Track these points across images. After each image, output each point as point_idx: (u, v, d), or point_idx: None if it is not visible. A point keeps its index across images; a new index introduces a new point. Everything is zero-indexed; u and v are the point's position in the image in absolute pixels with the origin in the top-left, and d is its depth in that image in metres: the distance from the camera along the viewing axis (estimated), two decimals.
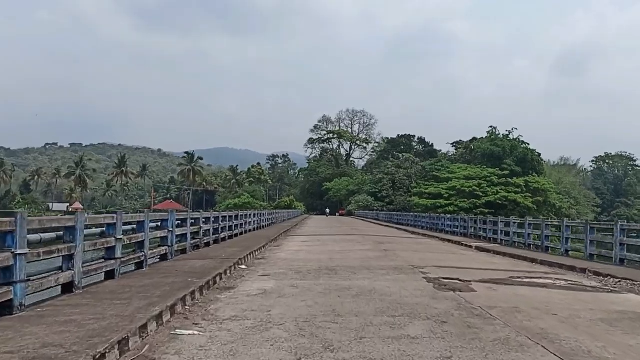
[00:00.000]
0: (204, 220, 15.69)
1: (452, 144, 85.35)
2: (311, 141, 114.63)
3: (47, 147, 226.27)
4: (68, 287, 7.12)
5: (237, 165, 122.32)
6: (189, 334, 5.56)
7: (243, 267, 11.80)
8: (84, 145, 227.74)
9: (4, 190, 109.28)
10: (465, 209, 53.02)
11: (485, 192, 57.81)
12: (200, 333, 5.61)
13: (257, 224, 29.10)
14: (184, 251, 13.29)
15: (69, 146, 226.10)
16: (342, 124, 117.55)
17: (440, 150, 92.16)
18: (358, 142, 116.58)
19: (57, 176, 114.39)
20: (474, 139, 73.65)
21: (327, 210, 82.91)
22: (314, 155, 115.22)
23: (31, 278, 6.16)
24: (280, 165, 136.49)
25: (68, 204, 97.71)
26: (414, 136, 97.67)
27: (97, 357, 4.31)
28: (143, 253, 10.04)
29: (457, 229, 27.90)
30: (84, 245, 7.42)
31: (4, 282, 5.68)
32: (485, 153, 63.65)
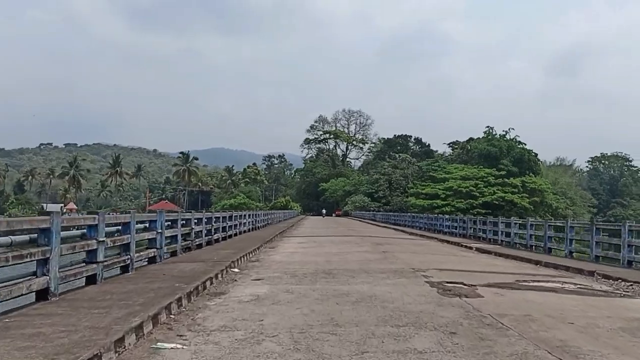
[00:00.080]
0: (195, 221, 15.13)
1: (448, 144, 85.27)
2: (307, 141, 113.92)
3: (42, 147, 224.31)
4: (43, 294, 6.55)
5: (233, 166, 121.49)
6: (171, 348, 4.99)
7: (235, 270, 11.24)
8: (78, 145, 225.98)
9: None
10: (462, 210, 52.54)
11: (482, 192, 57.31)
12: (184, 347, 5.05)
13: (252, 224, 28.55)
14: (174, 254, 12.77)
15: (63, 146, 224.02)
16: (338, 124, 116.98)
17: (436, 151, 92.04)
18: (354, 143, 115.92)
19: (51, 176, 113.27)
20: (471, 139, 73.31)
21: (324, 211, 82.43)
22: (310, 155, 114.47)
23: None
24: (276, 165, 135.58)
25: (62, 205, 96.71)
26: (411, 136, 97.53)
27: None
28: (129, 256, 9.49)
29: (456, 229, 27.45)
30: (61, 248, 6.84)
31: None
32: (482, 153, 63.22)
